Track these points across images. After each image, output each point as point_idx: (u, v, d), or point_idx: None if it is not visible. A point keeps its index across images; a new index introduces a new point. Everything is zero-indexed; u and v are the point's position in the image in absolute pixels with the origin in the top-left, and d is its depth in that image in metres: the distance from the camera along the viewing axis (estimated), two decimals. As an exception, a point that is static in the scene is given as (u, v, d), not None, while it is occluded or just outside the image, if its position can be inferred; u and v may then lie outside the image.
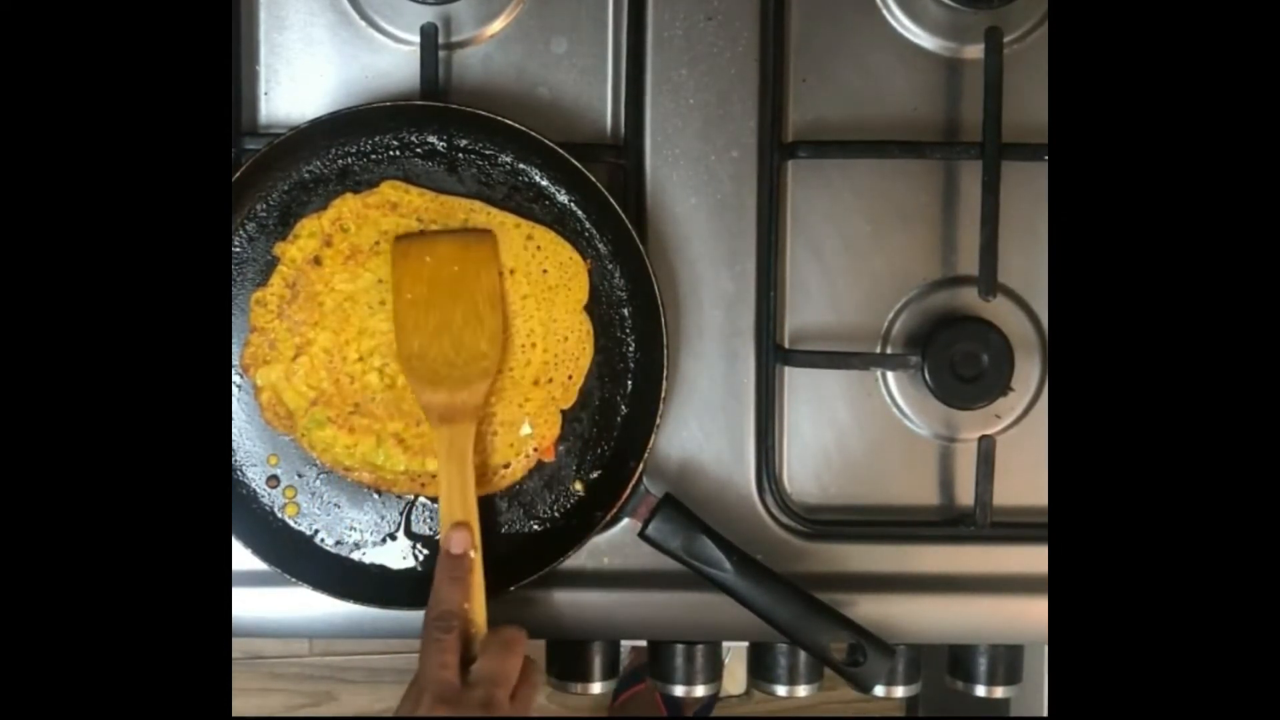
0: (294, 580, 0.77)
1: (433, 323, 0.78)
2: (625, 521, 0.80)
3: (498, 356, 0.78)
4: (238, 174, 0.77)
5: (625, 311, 0.81)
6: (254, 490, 0.80)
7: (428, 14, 0.81)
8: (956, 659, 0.88)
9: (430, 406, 0.77)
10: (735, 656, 0.94)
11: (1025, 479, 0.83)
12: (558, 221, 0.80)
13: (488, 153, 0.80)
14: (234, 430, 0.80)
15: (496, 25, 0.83)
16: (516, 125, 0.77)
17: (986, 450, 0.81)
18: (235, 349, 0.79)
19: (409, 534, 0.81)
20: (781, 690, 0.86)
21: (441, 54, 0.81)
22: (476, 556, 0.75)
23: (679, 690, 0.86)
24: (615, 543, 0.82)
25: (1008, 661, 0.87)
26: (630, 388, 0.81)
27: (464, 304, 0.78)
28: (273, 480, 0.80)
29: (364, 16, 0.82)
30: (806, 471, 0.84)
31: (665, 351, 0.77)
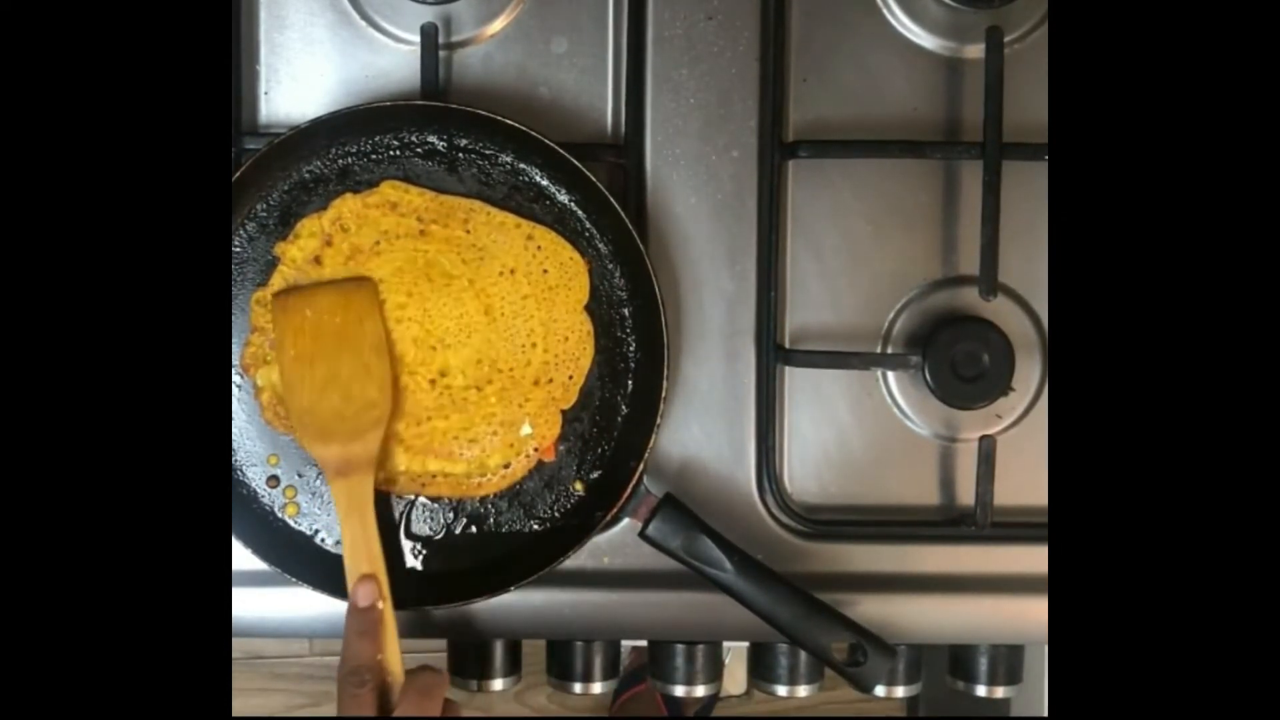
0: (294, 580, 0.77)
1: (319, 376, 0.76)
2: (626, 521, 0.80)
3: (388, 405, 0.77)
4: (238, 173, 0.77)
5: (626, 311, 0.81)
6: (254, 490, 0.80)
7: (428, 14, 0.81)
8: (957, 659, 0.88)
9: (325, 461, 0.76)
10: (736, 657, 0.94)
11: (1026, 479, 0.83)
12: (558, 221, 0.80)
13: (488, 152, 0.80)
14: (234, 430, 0.80)
15: (497, 25, 0.83)
16: (517, 125, 0.77)
17: (987, 450, 0.81)
18: (236, 349, 0.79)
19: (408, 534, 0.81)
20: (782, 690, 0.86)
21: (442, 54, 0.81)
22: (386, 606, 0.73)
23: (679, 690, 0.86)
24: (616, 543, 0.82)
25: (1008, 662, 0.87)
26: (631, 387, 0.81)
27: (349, 355, 0.77)
28: (273, 480, 0.80)
29: (364, 16, 0.82)
30: (807, 471, 0.84)
31: (666, 351, 0.77)
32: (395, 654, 0.73)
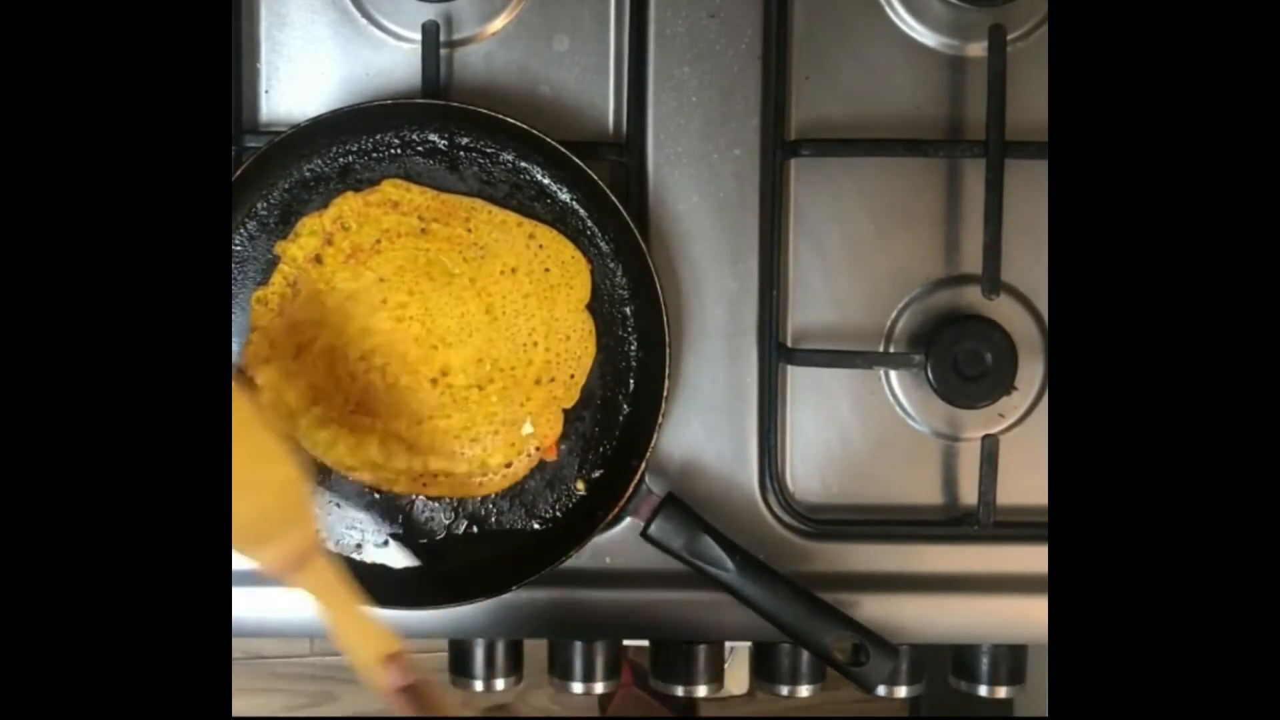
0: (295, 580, 0.77)
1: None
2: (627, 521, 0.80)
3: (302, 477, 0.71)
4: (238, 172, 0.77)
5: (627, 310, 0.81)
6: (255, 490, 0.80)
7: (429, 11, 0.80)
8: (959, 659, 0.88)
9: (276, 564, 0.69)
10: (738, 656, 0.94)
11: (1029, 478, 0.83)
12: (559, 220, 0.80)
13: (489, 151, 0.80)
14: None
15: (498, 23, 0.82)
16: (518, 123, 0.77)
17: (990, 449, 0.81)
18: (236, 348, 0.79)
19: (408, 535, 0.80)
20: (784, 690, 0.86)
21: (443, 52, 0.81)
22: (419, 679, 0.67)
23: (680, 690, 0.86)
24: (617, 542, 0.82)
25: (1011, 661, 0.86)
26: (632, 386, 0.81)
27: (242, 454, 0.67)
28: (273, 480, 0.80)
29: (365, 14, 0.82)
30: (809, 471, 0.84)
31: (667, 350, 0.77)
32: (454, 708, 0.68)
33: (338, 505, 0.80)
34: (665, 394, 0.77)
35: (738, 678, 0.94)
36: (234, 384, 0.68)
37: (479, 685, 0.87)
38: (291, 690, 1.67)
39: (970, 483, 0.82)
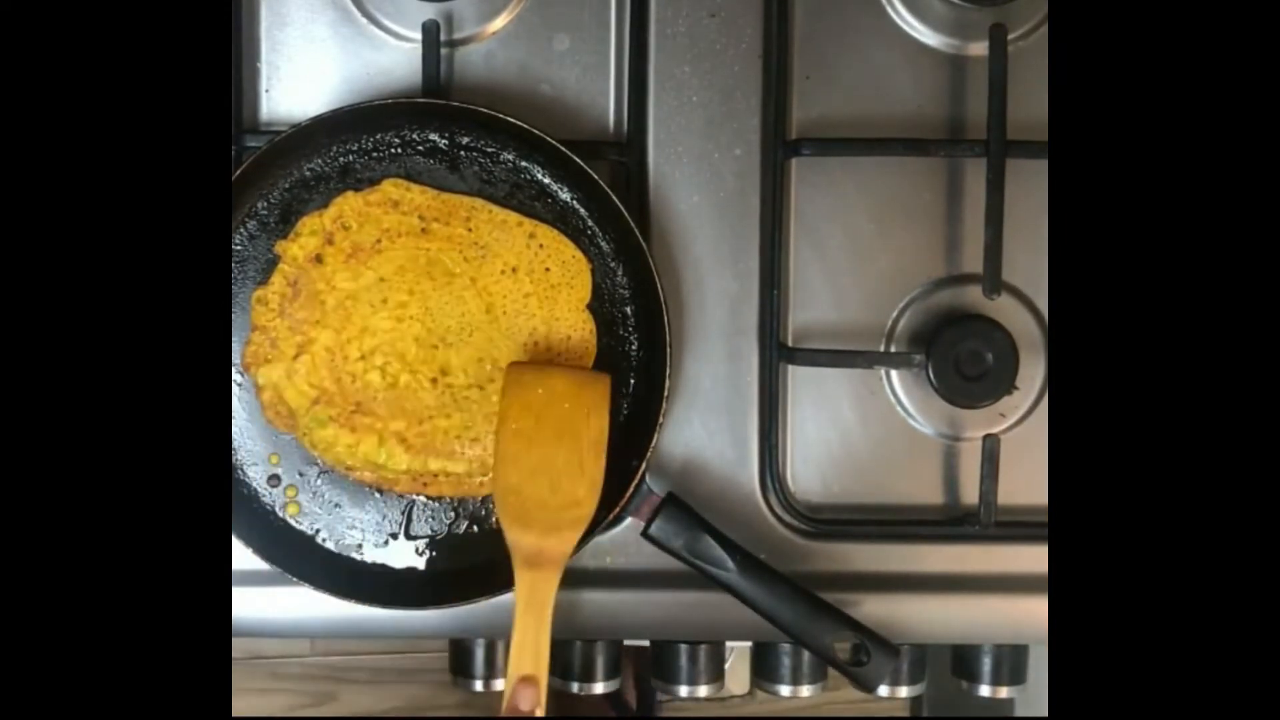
0: (295, 580, 0.77)
1: (533, 459, 0.74)
2: (628, 521, 0.80)
3: (593, 507, 0.74)
4: (238, 171, 0.77)
5: (628, 310, 0.81)
6: (255, 489, 0.80)
7: (429, 11, 0.80)
8: (961, 659, 0.88)
9: (517, 547, 0.74)
10: (739, 656, 0.94)
11: (1030, 478, 0.83)
12: (560, 219, 0.80)
13: (490, 150, 0.80)
14: (235, 429, 0.79)
15: (499, 22, 0.82)
16: (519, 123, 0.77)
17: (991, 449, 0.81)
18: (236, 347, 0.79)
19: (409, 535, 0.80)
20: (785, 690, 0.86)
21: (443, 51, 0.81)
22: (540, 712, 0.71)
23: (683, 690, 0.86)
24: (618, 542, 0.82)
25: (1012, 661, 0.86)
26: (633, 386, 0.81)
27: (568, 446, 0.74)
28: (274, 479, 0.80)
29: (365, 13, 0.82)
30: (810, 471, 0.84)
31: (668, 350, 0.77)
32: None
33: (338, 505, 0.80)
34: (666, 394, 0.77)
35: (738, 678, 0.94)
36: (599, 400, 0.74)
37: (479, 685, 0.87)
38: (291, 690, 1.67)
39: (971, 482, 0.82)
